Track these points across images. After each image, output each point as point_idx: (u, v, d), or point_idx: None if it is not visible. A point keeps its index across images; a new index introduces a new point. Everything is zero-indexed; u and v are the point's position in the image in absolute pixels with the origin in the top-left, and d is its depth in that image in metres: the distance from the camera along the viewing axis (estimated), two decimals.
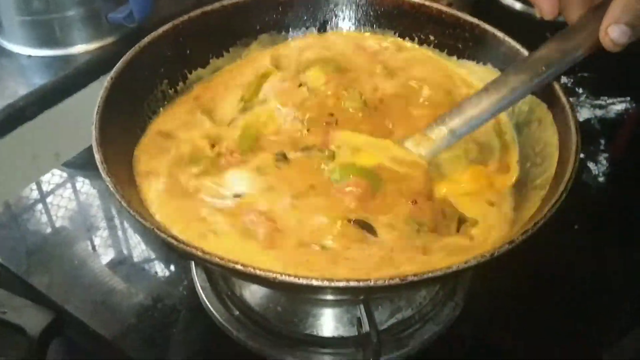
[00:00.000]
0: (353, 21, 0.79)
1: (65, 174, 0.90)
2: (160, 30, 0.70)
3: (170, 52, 0.71)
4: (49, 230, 0.82)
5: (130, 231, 0.82)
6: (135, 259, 0.79)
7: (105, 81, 0.63)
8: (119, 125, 0.62)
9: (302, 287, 0.49)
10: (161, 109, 0.69)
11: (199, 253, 0.48)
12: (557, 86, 0.63)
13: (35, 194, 0.87)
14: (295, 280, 0.47)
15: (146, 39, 0.68)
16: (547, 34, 0.64)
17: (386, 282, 0.46)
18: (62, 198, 0.87)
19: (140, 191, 0.60)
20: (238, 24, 0.75)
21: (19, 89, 1.01)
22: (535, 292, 0.72)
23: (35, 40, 1.08)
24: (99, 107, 0.60)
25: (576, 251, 0.77)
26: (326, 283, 0.47)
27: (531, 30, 0.71)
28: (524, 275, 0.72)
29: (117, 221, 0.83)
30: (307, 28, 0.79)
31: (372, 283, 0.46)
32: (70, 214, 0.84)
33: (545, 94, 0.64)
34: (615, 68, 1.04)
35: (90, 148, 0.56)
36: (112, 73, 0.63)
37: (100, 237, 0.81)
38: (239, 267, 0.47)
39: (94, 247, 0.80)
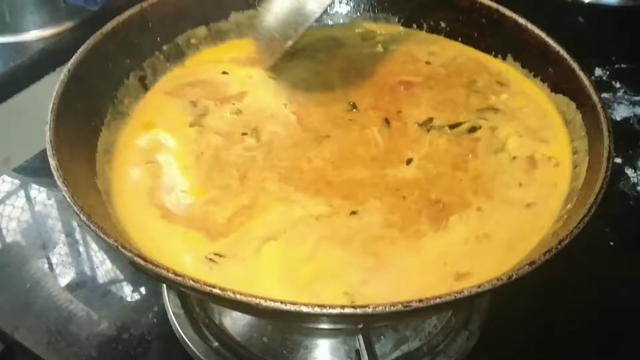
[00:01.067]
0: (352, 5, 0.80)
1: (17, 181, 0.91)
2: (126, 14, 0.70)
3: (138, 39, 0.72)
4: None
5: (93, 247, 0.83)
6: (99, 281, 0.80)
7: (62, 74, 0.63)
8: (79, 125, 0.63)
9: (290, 315, 0.49)
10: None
11: (171, 275, 0.49)
12: (587, 82, 0.64)
13: None
14: (282, 306, 0.47)
15: (110, 25, 0.69)
16: (580, 18, 0.65)
17: (387, 308, 0.47)
18: (14, 208, 0.87)
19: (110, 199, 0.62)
20: (212, 5, 0.77)
21: None
22: (563, 319, 0.73)
23: None
24: (54, 104, 0.61)
25: (611, 271, 0.78)
26: (317, 310, 0.47)
27: (560, 16, 0.73)
28: (550, 299, 0.72)
29: (77, 236, 0.84)
30: None
31: (370, 310, 0.47)
32: (23, 228, 0.85)
33: (574, 91, 0.66)
34: None
35: (45, 151, 0.57)
36: (70, 65, 0.64)
37: (58, 255, 0.81)
38: (216, 291, 0.48)
39: (50, 266, 0.80)
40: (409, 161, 0.67)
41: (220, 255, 0.58)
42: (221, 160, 0.67)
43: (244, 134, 0.70)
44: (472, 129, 0.70)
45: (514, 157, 0.67)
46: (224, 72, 0.77)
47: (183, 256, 0.59)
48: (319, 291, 0.56)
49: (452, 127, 0.70)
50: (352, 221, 0.61)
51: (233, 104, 0.73)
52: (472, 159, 0.67)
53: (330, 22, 0.82)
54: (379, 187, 0.64)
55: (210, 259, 0.58)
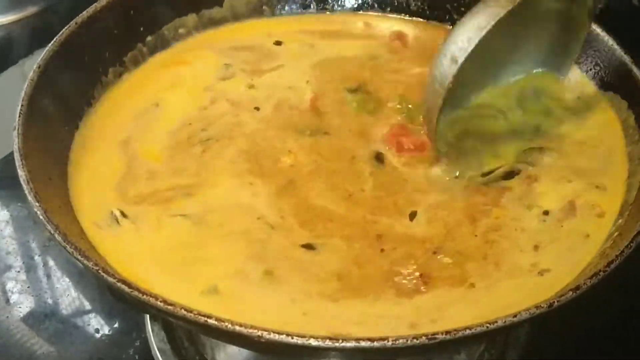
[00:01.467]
0: None
1: None
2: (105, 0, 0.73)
3: (118, 29, 0.74)
4: None
5: (57, 272, 0.84)
6: (65, 312, 0.81)
7: (30, 70, 0.65)
8: (49, 131, 0.65)
9: (297, 349, 0.50)
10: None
11: (160, 304, 0.50)
12: (637, 72, 0.66)
13: None
14: (287, 339, 0.49)
15: (86, 13, 0.71)
16: (635, 0, 0.67)
17: (408, 341, 0.48)
18: None
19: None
20: None
21: None
22: (612, 353, 0.74)
23: None
24: (22, 105, 0.62)
25: None
26: (329, 343, 0.49)
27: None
28: (598, 329, 0.74)
29: (38, 259, 0.85)
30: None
31: (389, 343, 0.48)
32: None
33: (626, 88, 0.68)
34: None
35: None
36: (41, 60, 0.66)
37: (16, 282, 0.83)
38: (212, 322, 0.49)
39: (6, 297, 0.81)
40: (412, 215, 0.66)
41: (124, 216, 0.64)
42: (194, 139, 0.72)
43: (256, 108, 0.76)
44: (508, 175, 0.69)
45: (546, 212, 0.66)
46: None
47: (90, 198, 0.65)
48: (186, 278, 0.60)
49: (484, 174, 0.69)
50: (297, 252, 0.63)
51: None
52: (495, 209, 0.66)
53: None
54: (353, 226, 0.65)
55: (115, 216, 0.64)
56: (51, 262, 0.85)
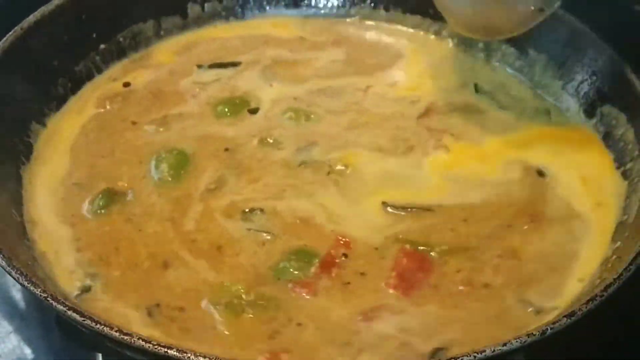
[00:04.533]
0: None
1: None
2: (53, 3, 0.75)
3: (68, 35, 0.77)
4: None
5: None
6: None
7: None
8: None
9: None
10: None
11: (115, 333, 0.52)
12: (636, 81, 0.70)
13: None
14: None
15: (32, 17, 0.73)
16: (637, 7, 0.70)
17: None
18: None
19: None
20: None
21: None
22: None
23: None
24: None
25: None
26: None
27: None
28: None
29: None
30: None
31: None
32: None
33: (623, 99, 0.71)
34: None
35: None
36: None
37: None
38: (173, 352, 0.51)
39: None
40: None
41: None
42: None
43: None
44: None
45: None
46: None
47: None
48: None
49: None
50: None
51: None
52: None
53: None
54: None
55: None
56: None
